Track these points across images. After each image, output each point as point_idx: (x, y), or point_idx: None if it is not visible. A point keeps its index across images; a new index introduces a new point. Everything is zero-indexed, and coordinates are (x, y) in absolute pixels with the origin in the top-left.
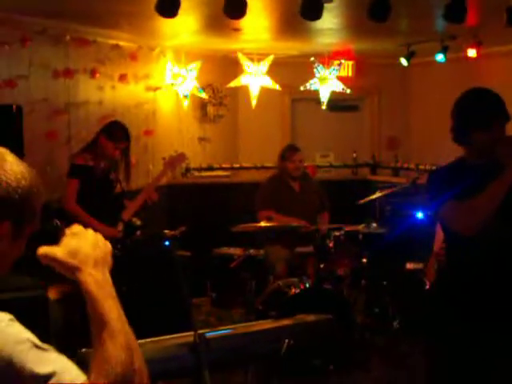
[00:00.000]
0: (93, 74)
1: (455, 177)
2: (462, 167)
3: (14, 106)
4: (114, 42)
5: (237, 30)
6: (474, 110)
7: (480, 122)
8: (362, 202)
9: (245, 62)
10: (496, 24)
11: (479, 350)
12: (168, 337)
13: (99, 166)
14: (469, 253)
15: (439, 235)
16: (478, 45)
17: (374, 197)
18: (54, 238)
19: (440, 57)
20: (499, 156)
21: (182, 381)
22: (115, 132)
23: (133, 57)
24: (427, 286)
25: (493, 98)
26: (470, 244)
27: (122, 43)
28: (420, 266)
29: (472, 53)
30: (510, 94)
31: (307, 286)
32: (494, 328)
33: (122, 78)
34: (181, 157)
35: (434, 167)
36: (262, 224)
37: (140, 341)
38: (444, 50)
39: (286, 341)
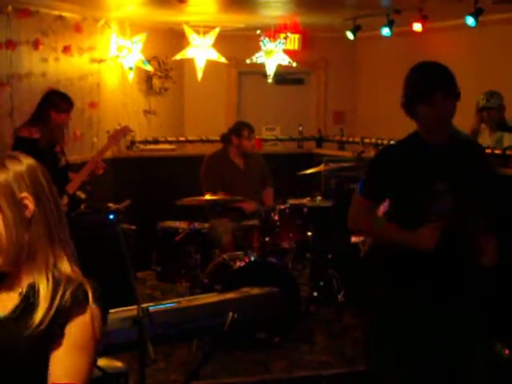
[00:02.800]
0: (36, 45)
1: (397, 158)
2: (412, 144)
3: None
4: (57, 12)
5: (182, 1)
6: (415, 83)
7: (420, 95)
8: (301, 173)
9: (190, 35)
10: None
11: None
12: (111, 311)
13: (44, 139)
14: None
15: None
16: (423, 19)
17: (316, 169)
18: None
19: (386, 31)
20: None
21: (126, 355)
22: (61, 104)
23: (77, 28)
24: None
25: (434, 70)
26: (418, 218)
27: (65, 14)
28: (364, 239)
29: (417, 27)
30: (455, 67)
31: (252, 259)
32: (433, 299)
33: (66, 49)
34: (125, 130)
35: (379, 141)
36: (207, 197)
37: None
38: (390, 24)
39: (231, 314)
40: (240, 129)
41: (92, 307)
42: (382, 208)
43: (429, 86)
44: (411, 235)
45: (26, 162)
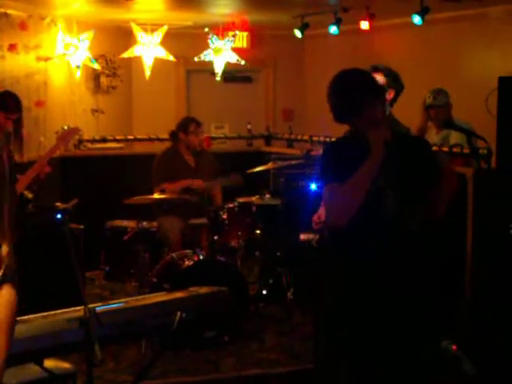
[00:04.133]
0: None
1: (344, 151)
2: (353, 140)
3: None
4: (2, 10)
5: None
6: (341, 102)
7: (349, 111)
8: (250, 171)
9: (138, 33)
10: None
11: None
12: (58, 312)
13: None
14: (361, 221)
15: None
16: (370, 17)
17: (265, 167)
18: None
19: (333, 29)
20: (369, 142)
21: (73, 356)
22: (6, 102)
23: (23, 26)
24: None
25: (355, 84)
26: (362, 213)
27: (10, 11)
28: (313, 236)
29: (365, 25)
30: (402, 65)
31: (201, 257)
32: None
33: (12, 47)
34: (74, 130)
35: (327, 139)
36: (156, 196)
37: (30, 316)
38: (337, 22)
39: (179, 313)
40: (187, 124)
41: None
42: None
43: (353, 104)
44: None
45: None
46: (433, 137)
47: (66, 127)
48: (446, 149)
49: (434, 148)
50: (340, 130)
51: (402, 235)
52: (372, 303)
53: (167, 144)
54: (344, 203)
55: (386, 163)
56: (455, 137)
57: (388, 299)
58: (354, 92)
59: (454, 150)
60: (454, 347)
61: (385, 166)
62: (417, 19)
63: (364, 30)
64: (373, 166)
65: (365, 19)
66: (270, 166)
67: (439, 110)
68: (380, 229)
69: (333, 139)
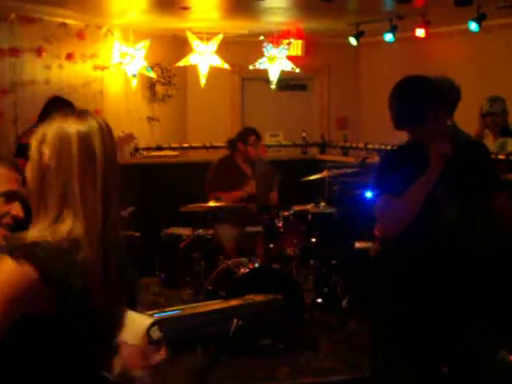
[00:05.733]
0: (39, 52)
1: (402, 161)
2: (412, 149)
3: None
4: (60, 20)
5: (185, 8)
6: (405, 109)
7: (413, 119)
8: (305, 179)
9: (193, 41)
10: (444, 4)
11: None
12: None
13: None
14: (418, 231)
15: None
16: (426, 24)
17: (320, 175)
18: None
19: (389, 36)
20: (430, 154)
21: None
22: (62, 109)
23: (80, 35)
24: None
25: (421, 92)
26: (419, 223)
27: (68, 21)
28: (368, 245)
29: (420, 32)
30: (458, 73)
31: (256, 265)
32: (438, 304)
33: (69, 56)
34: (129, 137)
35: (382, 146)
36: (211, 204)
37: None
38: (393, 30)
39: (235, 321)
40: (247, 135)
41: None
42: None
43: (419, 110)
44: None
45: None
46: (490, 144)
47: (121, 134)
48: (503, 156)
49: (491, 156)
50: (396, 138)
51: (460, 247)
52: (429, 315)
53: (222, 152)
54: (397, 216)
55: (446, 172)
56: None
57: (444, 311)
58: (420, 100)
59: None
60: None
61: (444, 175)
62: (473, 26)
63: (419, 38)
64: (430, 180)
65: (420, 26)
66: (324, 174)
67: (496, 117)
68: (437, 240)
69: (389, 147)
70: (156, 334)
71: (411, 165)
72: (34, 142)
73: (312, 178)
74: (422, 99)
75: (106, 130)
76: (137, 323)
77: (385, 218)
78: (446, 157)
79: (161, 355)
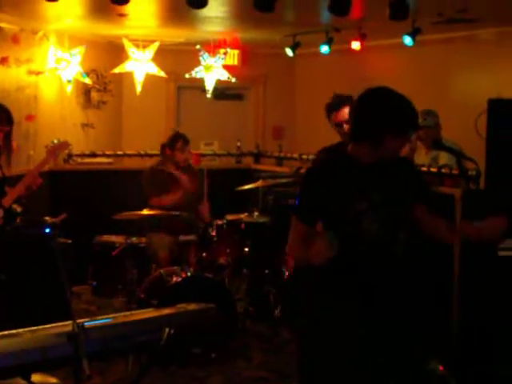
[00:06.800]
0: None
1: (328, 176)
2: (344, 166)
3: None
4: None
5: (122, 15)
6: (392, 116)
7: (396, 129)
8: (239, 188)
9: (130, 48)
10: (380, 18)
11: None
12: (46, 326)
13: None
14: (344, 253)
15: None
16: (362, 37)
17: (254, 185)
18: None
19: (325, 48)
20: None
21: (61, 371)
22: None
23: (15, 39)
24: (285, 275)
25: (409, 106)
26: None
27: (3, 25)
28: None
29: (356, 45)
30: (393, 85)
31: (189, 274)
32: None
33: (3, 60)
34: (64, 145)
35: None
36: (144, 212)
37: (18, 330)
38: (329, 42)
39: (167, 329)
40: (174, 140)
41: None
42: None
43: (406, 122)
44: (308, 252)
45: None
46: (422, 157)
47: (55, 141)
48: (434, 169)
49: (423, 168)
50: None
51: (386, 258)
52: (356, 327)
53: (154, 161)
54: (291, 251)
55: (369, 185)
56: (444, 157)
57: (373, 323)
58: (406, 110)
59: (443, 170)
60: (441, 368)
61: (367, 188)
62: (408, 40)
63: (355, 50)
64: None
65: (356, 39)
66: (259, 183)
67: (428, 130)
68: (363, 253)
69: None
70: None
71: (332, 182)
72: None
73: (246, 187)
74: (383, 119)
75: None
76: None
77: (290, 241)
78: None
79: None
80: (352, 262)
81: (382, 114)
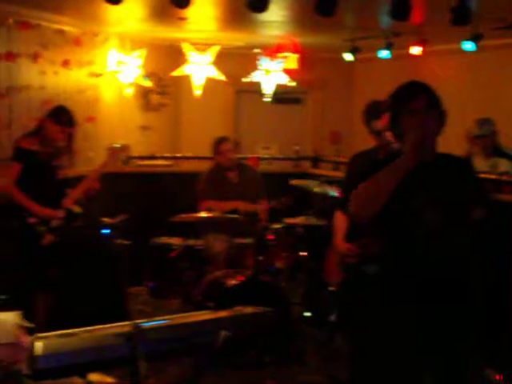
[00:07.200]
0: (35, 58)
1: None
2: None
3: None
4: (57, 26)
5: (183, 19)
6: (399, 94)
7: (402, 104)
8: (292, 182)
9: (189, 52)
10: (440, 22)
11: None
12: (103, 326)
13: (44, 151)
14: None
15: (340, 228)
16: (422, 42)
17: (311, 188)
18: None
19: (384, 53)
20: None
21: (117, 371)
22: (61, 116)
23: (77, 42)
24: (332, 287)
25: (414, 86)
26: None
27: (65, 28)
28: None
29: (416, 50)
30: (453, 91)
31: (246, 277)
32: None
33: (65, 63)
34: (124, 148)
35: None
36: (202, 214)
37: (75, 330)
38: (388, 47)
39: (224, 332)
40: (213, 146)
41: None
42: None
43: (411, 95)
44: (393, 163)
45: None
46: (480, 164)
47: (117, 144)
48: (493, 176)
49: (482, 175)
50: None
51: (444, 255)
52: (419, 327)
53: (211, 164)
54: (365, 197)
55: (430, 181)
56: (504, 164)
57: (431, 326)
58: (413, 89)
59: (503, 178)
60: (497, 377)
61: (428, 183)
62: (468, 46)
63: (414, 55)
64: (401, 167)
65: (416, 44)
66: (315, 187)
67: (485, 139)
68: (421, 251)
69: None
70: None
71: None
72: None
73: (301, 183)
74: (396, 111)
75: None
76: (3, 322)
77: (354, 201)
78: (421, 146)
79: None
80: (409, 260)
81: (391, 100)
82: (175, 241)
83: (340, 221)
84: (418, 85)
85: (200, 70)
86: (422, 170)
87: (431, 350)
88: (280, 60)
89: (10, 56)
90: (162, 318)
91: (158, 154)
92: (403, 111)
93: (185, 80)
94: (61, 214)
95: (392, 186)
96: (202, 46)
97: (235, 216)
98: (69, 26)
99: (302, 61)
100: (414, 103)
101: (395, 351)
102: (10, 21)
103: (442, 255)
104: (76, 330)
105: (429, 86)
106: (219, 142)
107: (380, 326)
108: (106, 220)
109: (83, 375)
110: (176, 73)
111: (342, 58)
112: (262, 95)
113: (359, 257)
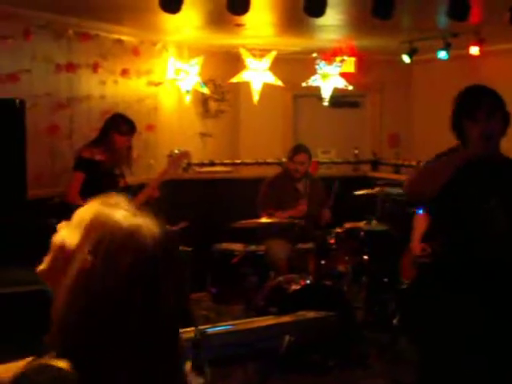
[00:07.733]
0: (95, 68)
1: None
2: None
3: (17, 101)
4: (116, 36)
5: (240, 25)
6: (461, 101)
7: (465, 111)
8: (358, 193)
9: (247, 58)
10: (499, 22)
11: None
12: None
13: (107, 161)
14: (469, 239)
15: (417, 229)
16: (480, 42)
17: (371, 191)
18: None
19: (442, 54)
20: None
21: None
22: (124, 127)
23: (135, 51)
24: (404, 285)
25: (478, 91)
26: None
27: (124, 38)
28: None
29: (474, 50)
30: (510, 91)
31: (308, 282)
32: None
33: (124, 72)
34: (185, 154)
35: None
36: (263, 220)
37: None
38: (447, 47)
39: (287, 337)
40: (293, 153)
41: None
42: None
43: (473, 103)
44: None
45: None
46: None
47: (177, 151)
48: None
49: None
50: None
51: (504, 259)
52: (481, 327)
53: (274, 168)
54: (428, 175)
55: (500, 185)
56: None
57: (493, 322)
58: (475, 95)
59: None
60: None
61: (498, 187)
62: None
63: (473, 55)
64: (464, 157)
65: (474, 44)
66: (376, 190)
67: None
68: (487, 252)
69: None
70: None
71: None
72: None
73: (363, 192)
74: (474, 97)
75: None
76: None
77: (414, 177)
78: (488, 138)
79: None
80: (478, 257)
81: (454, 104)
82: (237, 247)
83: (419, 222)
84: (481, 90)
85: (257, 76)
86: (492, 174)
87: (497, 345)
88: (337, 64)
89: (71, 67)
90: (225, 323)
91: (217, 161)
92: (466, 118)
93: (242, 86)
94: None
95: (451, 171)
96: (258, 52)
97: (295, 221)
98: (127, 36)
99: (359, 64)
100: (477, 112)
101: (461, 347)
102: (70, 32)
103: (503, 259)
104: None
105: (492, 89)
106: (297, 151)
107: (445, 323)
108: (167, 227)
109: None
110: (234, 79)
111: (400, 60)
112: (320, 99)
113: (432, 256)
